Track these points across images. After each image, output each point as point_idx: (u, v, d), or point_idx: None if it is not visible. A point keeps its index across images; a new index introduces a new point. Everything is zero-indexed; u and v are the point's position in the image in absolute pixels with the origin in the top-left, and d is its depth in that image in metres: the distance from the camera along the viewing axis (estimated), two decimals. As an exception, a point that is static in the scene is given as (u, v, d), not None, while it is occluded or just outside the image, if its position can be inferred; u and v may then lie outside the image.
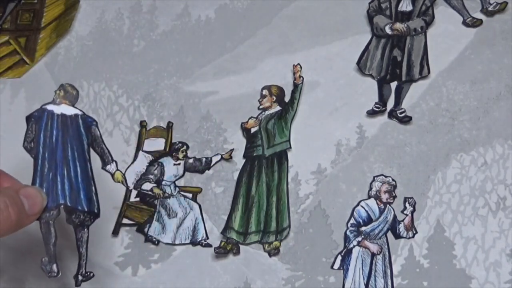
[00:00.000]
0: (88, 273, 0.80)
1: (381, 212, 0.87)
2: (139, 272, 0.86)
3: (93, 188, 0.77)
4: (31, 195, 0.68)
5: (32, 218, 0.69)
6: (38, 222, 0.73)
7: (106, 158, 0.80)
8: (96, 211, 0.77)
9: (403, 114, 0.93)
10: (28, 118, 0.77)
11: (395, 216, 0.87)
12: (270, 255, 0.87)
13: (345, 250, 0.86)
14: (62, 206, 0.75)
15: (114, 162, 0.80)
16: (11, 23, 1.01)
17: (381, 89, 0.95)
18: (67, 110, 0.78)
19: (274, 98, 0.94)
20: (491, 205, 0.87)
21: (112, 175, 0.81)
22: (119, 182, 0.82)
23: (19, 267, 0.86)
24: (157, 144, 0.93)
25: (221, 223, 0.88)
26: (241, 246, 0.87)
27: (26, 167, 0.76)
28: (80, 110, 0.78)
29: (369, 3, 0.98)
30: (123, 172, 0.90)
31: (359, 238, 0.86)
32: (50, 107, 0.77)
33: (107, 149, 0.79)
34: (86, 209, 0.76)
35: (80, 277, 0.79)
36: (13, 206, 0.65)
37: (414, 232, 0.86)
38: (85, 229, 0.78)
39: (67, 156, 0.75)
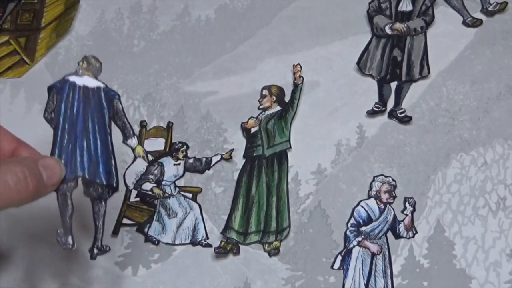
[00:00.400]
0: (104, 247, 0.78)
1: (381, 212, 0.87)
2: (139, 272, 0.86)
3: (113, 162, 0.74)
4: (50, 166, 0.67)
5: (50, 189, 0.68)
6: (55, 194, 0.72)
7: (127, 132, 0.76)
8: (115, 185, 0.74)
9: (403, 114, 0.93)
10: (50, 89, 0.74)
11: (395, 216, 0.87)
12: (270, 255, 0.87)
13: (345, 250, 0.86)
14: (80, 178, 0.72)
15: (135, 137, 0.77)
16: (11, 23, 1.01)
17: (381, 89, 0.95)
18: (89, 82, 0.74)
19: (274, 98, 0.94)
20: (491, 205, 0.87)
21: (133, 149, 0.78)
22: (139, 157, 0.78)
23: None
24: (157, 144, 0.93)
25: (221, 223, 0.88)
26: (241, 246, 0.87)
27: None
28: (103, 83, 0.75)
29: (369, 3, 0.98)
30: (124, 172, 0.90)
31: (359, 238, 0.86)
32: (72, 78, 0.74)
33: (129, 123, 0.76)
34: (104, 183, 0.73)
35: (95, 250, 0.78)
36: (31, 176, 0.64)
37: (414, 232, 0.86)
38: (103, 203, 0.76)
39: (87, 128, 0.73)
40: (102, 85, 0.75)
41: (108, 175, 0.73)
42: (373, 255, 0.85)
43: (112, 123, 0.76)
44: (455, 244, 0.86)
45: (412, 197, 0.88)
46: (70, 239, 0.73)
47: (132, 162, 0.91)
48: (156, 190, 0.89)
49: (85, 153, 0.72)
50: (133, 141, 0.77)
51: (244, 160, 0.91)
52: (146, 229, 0.88)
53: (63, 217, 0.72)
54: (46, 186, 0.67)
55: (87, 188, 0.75)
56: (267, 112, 0.93)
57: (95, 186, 0.74)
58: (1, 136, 0.69)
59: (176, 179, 0.91)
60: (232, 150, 0.91)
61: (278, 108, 0.93)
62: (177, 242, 0.88)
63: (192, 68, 0.98)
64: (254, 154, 0.91)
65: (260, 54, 0.98)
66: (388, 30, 0.96)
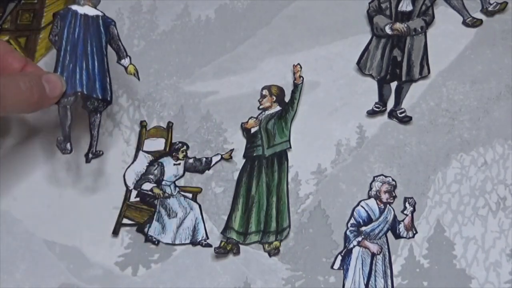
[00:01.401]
0: (98, 152, 0.86)
1: (381, 212, 0.87)
2: (139, 272, 0.86)
3: (108, 79, 0.85)
4: (52, 80, 0.79)
5: (52, 101, 0.80)
6: (56, 107, 0.82)
7: (121, 54, 0.87)
8: (109, 98, 0.84)
9: (403, 114, 0.93)
10: (55, 15, 0.84)
11: (395, 216, 0.87)
12: (270, 255, 0.87)
13: (345, 250, 0.86)
14: (79, 93, 0.82)
15: (128, 57, 0.87)
16: (11, 23, 1.01)
17: (381, 89, 0.95)
18: (89, 11, 0.85)
19: (274, 98, 0.94)
20: (491, 205, 0.87)
21: (126, 68, 0.87)
22: (131, 74, 0.88)
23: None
24: (157, 144, 0.93)
25: (221, 223, 0.88)
26: (241, 246, 0.87)
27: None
28: (101, 12, 0.86)
29: (369, 3, 0.98)
30: (124, 172, 0.90)
31: (359, 238, 0.86)
32: (74, 7, 0.85)
33: (122, 46, 0.87)
34: (100, 97, 0.83)
35: (90, 155, 0.85)
36: (35, 87, 0.76)
37: (414, 232, 0.86)
38: (98, 114, 0.85)
39: (86, 51, 0.83)
40: (100, 14, 0.86)
41: (103, 90, 0.83)
42: (373, 255, 0.86)
43: (109, 47, 0.86)
44: (455, 244, 0.86)
45: (412, 197, 0.88)
46: (68, 145, 0.82)
47: (132, 162, 0.91)
48: (156, 190, 0.89)
49: (84, 72, 0.82)
50: (126, 61, 0.87)
51: (244, 160, 0.91)
52: (146, 229, 0.88)
53: (63, 127, 0.82)
54: (49, 98, 0.79)
55: (84, 102, 0.84)
56: (267, 112, 0.93)
57: (91, 100, 0.83)
58: (12, 56, 0.82)
59: (176, 179, 0.91)
60: (232, 150, 0.91)
61: (278, 108, 0.93)
62: (177, 242, 0.88)
63: (192, 68, 0.98)
64: (254, 154, 0.91)
65: (260, 54, 0.98)
66: (388, 30, 0.96)
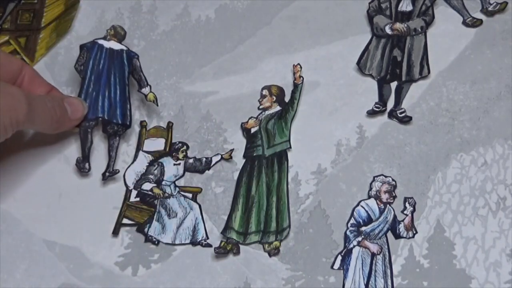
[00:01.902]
0: (114, 170, 0.89)
1: (381, 212, 0.87)
2: (139, 272, 0.86)
3: (128, 105, 0.90)
4: (74, 103, 0.85)
5: (73, 123, 0.86)
6: (78, 130, 0.88)
7: (142, 83, 0.92)
8: (128, 123, 0.90)
9: (403, 114, 0.93)
10: (82, 46, 0.91)
11: (395, 216, 0.87)
12: (270, 255, 0.87)
13: (345, 250, 0.86)
14: (100, 119, 0.88)
15: (148, 86, 0.92)
16: (11, 23, 1.01)
17: (381, 89, 0.95)
18: (115, 45, 0.92)
19: (274, 98, 0.94)
20: (491, 205, 0.87)
21: (146, 96, 0.91)
22: (151, 101, 0.92)
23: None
24: (157, 144, 0.93)
25: (221, 223, 0.88)
26: (241, 246, 0.87)
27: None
28: (126, 46, 0.93)
29: (369, 3, 0.98)
30: (124, 172, 0.90)
31: (359, 238, 0.86)
32: (101, 41, 0.92)
33: (144, 76, 0.92)
34: (120, 122, 0.89)
35: (107, 174, 0.88)
36: (57, 107, 0.82)
37: (414, 232, 0.86)
38: (117, 137, 0.90)
39: (110, 81, 0.89)
40: (125, 48, 0.93)
41: (123, 116, 0.89)
42: (373, 255, 0.86)
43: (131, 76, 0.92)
44: (455, 244, 0.86)
45: (412, 197, 0.88)
46: (87, 165, 0.88)
47: (132, 162, 0.91)
48: (156, 190, 0.89)
49: (106, 100, 0.88)
50: (146, 89, 0.92)
51: (244, 160, 0.91)
52: (146, 229, 0.88)
53: (83, 148, 0.88)
54: (70, 120, 0.85)
55: (105, 126, 0.90)
56: (267, 112, 0.93)
57: (111, 125, 0.89)
58: (38, 82, 0.87)
59: (176, 179, 0.91)
60: (232, 150, 0.91)
61: (278, 108, 0.93)
62: (177, 242, 0.88)
63: (192, 68, 0.98)
64: (254, 154, 0.91)
65: (260, 54, 0.98)
66: (388, 30, 0.96)
